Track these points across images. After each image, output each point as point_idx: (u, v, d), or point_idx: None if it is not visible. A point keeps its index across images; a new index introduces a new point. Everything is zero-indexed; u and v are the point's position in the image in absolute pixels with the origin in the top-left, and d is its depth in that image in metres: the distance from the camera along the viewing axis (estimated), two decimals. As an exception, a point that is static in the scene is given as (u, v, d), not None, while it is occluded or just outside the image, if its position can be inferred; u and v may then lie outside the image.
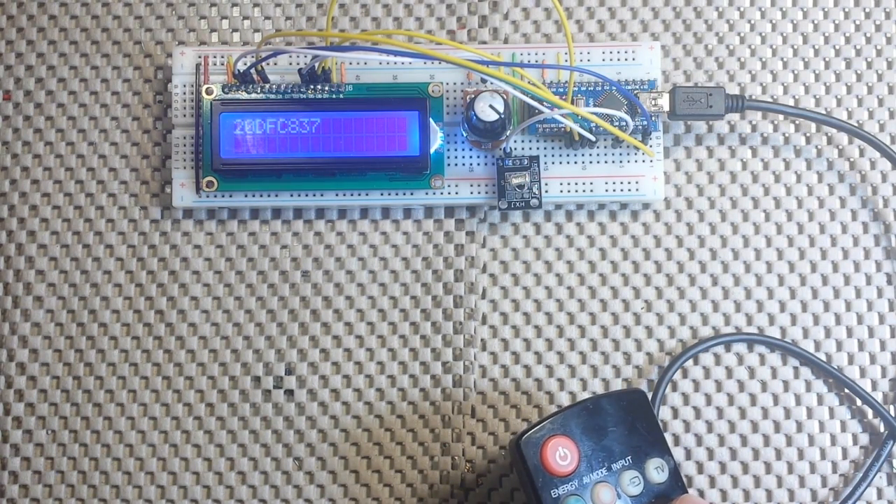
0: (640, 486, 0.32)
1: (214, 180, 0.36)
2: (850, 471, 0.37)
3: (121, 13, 0.39)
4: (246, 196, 0.37)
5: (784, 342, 0.37)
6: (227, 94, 0.36)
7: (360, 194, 0.37)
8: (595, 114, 0.35)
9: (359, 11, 0.39)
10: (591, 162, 0.37)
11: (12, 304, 0.38)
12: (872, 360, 0.37)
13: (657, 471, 0.32)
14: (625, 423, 0.32)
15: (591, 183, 0.37)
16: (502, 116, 0.35)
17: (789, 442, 0.37)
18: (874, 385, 0.37)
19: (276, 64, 0.37)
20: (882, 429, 0.37)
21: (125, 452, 0.37)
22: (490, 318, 0.38)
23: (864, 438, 0.37)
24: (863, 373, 0.37)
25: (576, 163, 0.37)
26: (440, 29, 0.39)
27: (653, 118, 0.37)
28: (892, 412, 0.37)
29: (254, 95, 0.36)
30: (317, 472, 0.37)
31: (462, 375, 0.37)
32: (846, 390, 0.37)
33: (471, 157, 0.37)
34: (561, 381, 0.37)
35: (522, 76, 0.36)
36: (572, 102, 0.36)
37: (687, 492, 0.32)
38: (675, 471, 0.32)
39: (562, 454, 0.31)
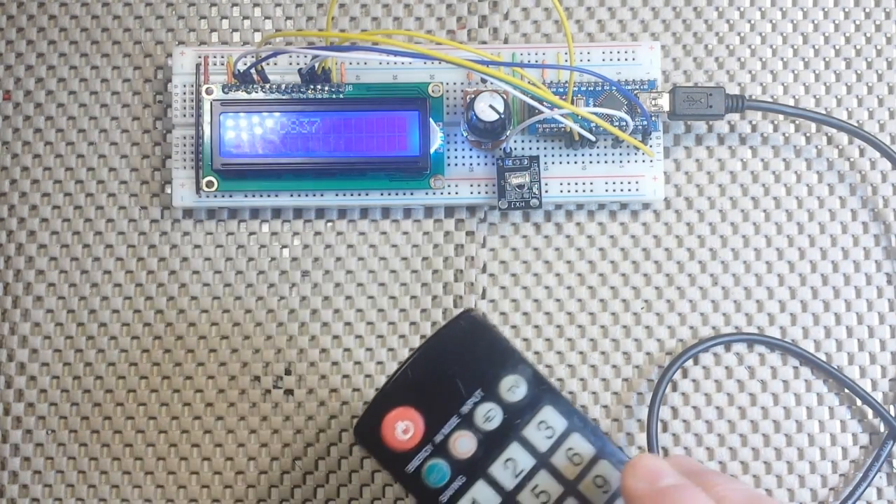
0: (499, 415, 0.28)
1: (214, 180, 0.36)
2: (850, 471, 0.37)
3: (121, 13, 0.39)
4: (246, 196, 0.37)
5: (784, 342, 0.37)
6: (227, 94, 0.36)
7: (360, 194, 0.37)
8: (595, 114, 0.35)
9: (359, 11, 0.39)
10: (591, 162, 0.37)
11: (12, 304, 0.38)
12: (872, 359, 0.37)
13: (512, 391, 0.28)
14: (462, 358, 0.29)
15: (591, 183, 0.37)
16: (502, 116, 0.35)
17: (789, 442, 0.37)
18: (874, 385, 0.37)
19: (276, 64, 0.37)
20: (882, 429, 0.37)
21: (125, 452, 0.37)
22: (490, 318, 0.38)
23: (865, 438, 0.37)
24: (863, 373, 0.37)
25: (576, 163, 0.37)
26: (440, 29, 0.39)
27: (653, 118, 0.37)
28: (892, 412, 0.37)
29: (254, 95, 0.36)
30: (316, 472, 0.37)
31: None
32: (846, 390, 0.37)
33: (471, 157, 0.37)
34: (561, 380, 0.37)
35: (522, 76, 0.36)
36: (572, 102, 0.36)
37: (555, 391, 0.29)
38: (534, 378, 0.29)
39: (403, 427, 0.28)
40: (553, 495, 0.28)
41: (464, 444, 0.28)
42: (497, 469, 0.28)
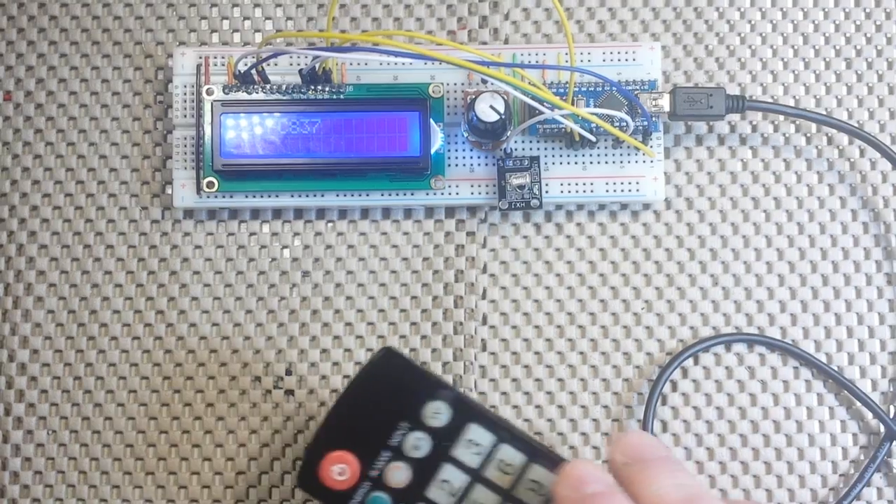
0: (427, 442, 0.29)
1: (215, 181, 0.36)
2: (850, 471, 0.37)
3: (121, 14, 0.39)
4: (246, 196, 0.37)
5: (784, 343, 0.37)
6: (227, 94, 0.36)
7: (360, 195, 0.37)
8: (595, 114, 0.35)
9: (359, 12, 0.39)
10: (591, 162, 0.37)
11: (13, 305, 0.38)
12: (873, 360, 0.37)
13: (435, 416, 0.30)
14: (385, 393, 0.30)
15: (592, 183, 0.37)
16: (503, 117, 0.35)
17: (789, 442, 0.37)
18: (874, 385, 0.37)
19: (276, 64, 0.37)
20: (882, 430, 0.37)
21: (126, 452, 0.37)
22: (490, 319, 0.38)
23: (865, 438, 0.37)
24: (863, 373, 0.37)
25: (576, 163, 0.37)
26: (441, 29, 0.39)
27: (653, 119, 0.37)
28: (892, 412, 0.37)
29: (254, 96, 0.36)
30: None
31: (462, 376, 0.37)
32: (845, 391, 0.37)
33: (471, 157, 0.37)
34: (561, 380, 0.37)
35: (523, 77, 0.36)
36: (573, 103, 0.36)
37: (478, 408, 0.30)
38: (455, 400, 0.30)
39: (339, 470, 0.30)
40: None
41: (399, 476, 0.29)
42: (434, 492, 0.29)
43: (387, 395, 0.30)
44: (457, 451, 0.29)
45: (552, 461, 0.29)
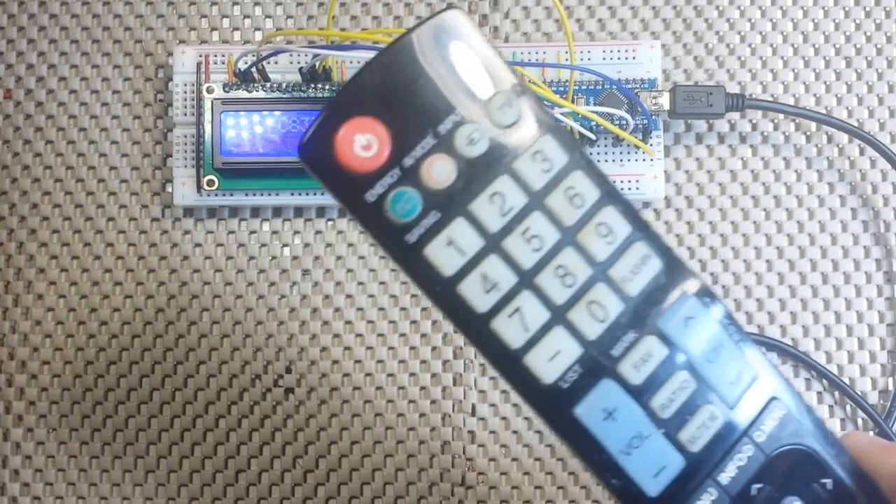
0: (485, 139, 0.22)
1: (215, 179, 0.36)
2: (849, 469, 0.37)
3: (122, 12, 0.39)
4: (247, 195, 0.37)
5: (781, 343, 0.37)
6: (227, 92, 0.36)
7: (360, 193, 0.37)
8: (596, 112, 0.35)
9: (359, 10, 0.39)
10: (591, 160, 0.37)
11: (13, 303, 0.38)
12: (872, 358, 0.37)
13: (502, 111, 0.22)
14: (442, 66, 0.22)
15: (592, 181, 0.37)
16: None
17: (789, 440, 0.37)
18: (874, 383, 0.37)
19: (276, 63, 0.37)
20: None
21: (126, 450, 0.37)
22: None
23: (864, 437, 0.37)
24: (862, 371, 0.37)
25: (576, 161, 0.37)
26: (441, 28, 0.39)
27: (653, 117, 0.37)
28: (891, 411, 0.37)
29: (254, 94, 0.36)
30: (316, 470, 0.37)
31: (462, 374, 0.37)
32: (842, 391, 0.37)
33: (471, 155, 0.37)
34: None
35: (523, 75, 0.36)
36: (573, 101, 0.36)
37: (555, 122, 0.23)
38: (527, 99, 0.23)
39: (364, 142, 0.22)
40: (547, 242, 0.22)
41: (440, 171, 0.22)
42: (480, 205, 0.22)
43: (444, 69, 0.22)
44: (520, 162, 0.22)
45: (630, 212, 0.23)
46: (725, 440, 0.22)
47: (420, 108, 0.22)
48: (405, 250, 0.22)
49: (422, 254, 0.22)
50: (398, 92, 0.22)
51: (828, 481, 0.23)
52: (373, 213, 0.22)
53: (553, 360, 0.22)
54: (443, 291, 0.22)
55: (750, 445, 0.23)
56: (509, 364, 0.22)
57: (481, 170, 0.22)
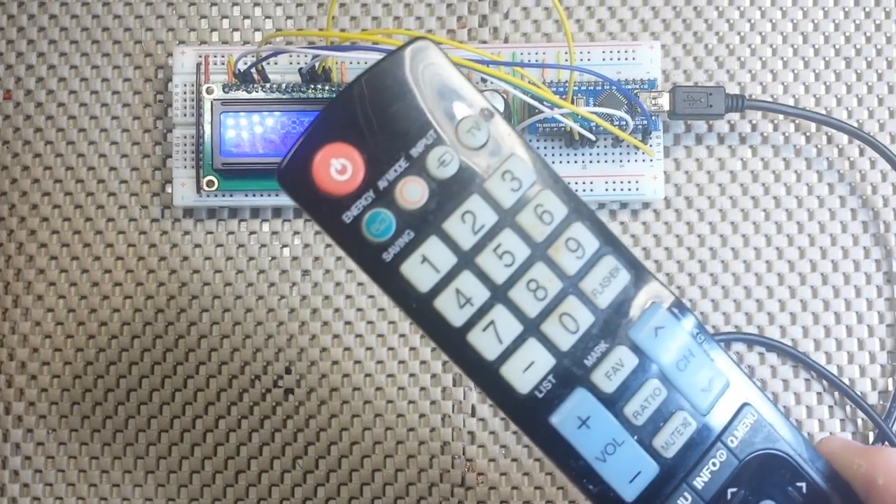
0: (454, 160, 0.23)
1: (215, 179, 0.36)
2: (849, 470, 0.37)
3: (121, 12, 0.39)
4: (246, 195, 0.37)
5: (781, 343, 0.37)
6: (227, 93, 0.36)
7: (360, 193, 0.37)
8: (595, 113, 0.35)
9: (359, 11, 0.39)
10: (591, 161, 0.37)
11: (13, 304, 0.38)
12: (872, 358, 0.37)
13: (471, 133, 0.23)
14: (412, 91, 0.23)
15: (591, 182, 0.37)
16: (502, 116, 0.35)
17: (789, 441, 0.37)
18: (873, 384, 0.37)
19: (276, 63, 0.37)
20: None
21: (126, 451, 0.37)
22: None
23: (865, 437, 0.37)
24: (862, 371, 0.37)
25: (576, 162, 0.37)
26: (440, 28, 0.39)
27: (653, 117, 0.37)
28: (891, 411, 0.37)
29: (254, 95, 0.36)
30: (316, 471, 0.37)
31: (462, 374, 0.37)
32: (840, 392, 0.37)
33: (471, 156, 0.37)
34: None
35: (522, 76, 0.36)
36: (572, 102, 0.36)
37: (523, 140, 0.24)
38: (496, 120, 0.23)
39: (339, 166, 0.23)
40: (519, 257, 0.23)
41: (413, 192, 0.23)
42: (453, 224, 0.23)
43: (414, 94, 0.23)
44: (490, 182, 0.23)
45: (598, 227, 0.24)
46: (699, 446, 0.23)
47: (392, 132, 0.23)
48: (382, 269, 0.23)
49: (398, 271, 0.23)
50: (371, 118, 0.23)
51: (802, 485, 0.23)
52: (349, 234, 0.23)
53: (528, 370, 0.23)
54: (419, 307, 0.23)
55: (723, 451, 0.23)
56: (485, 375, 0.23)
57: (453, 190, 0.23)
